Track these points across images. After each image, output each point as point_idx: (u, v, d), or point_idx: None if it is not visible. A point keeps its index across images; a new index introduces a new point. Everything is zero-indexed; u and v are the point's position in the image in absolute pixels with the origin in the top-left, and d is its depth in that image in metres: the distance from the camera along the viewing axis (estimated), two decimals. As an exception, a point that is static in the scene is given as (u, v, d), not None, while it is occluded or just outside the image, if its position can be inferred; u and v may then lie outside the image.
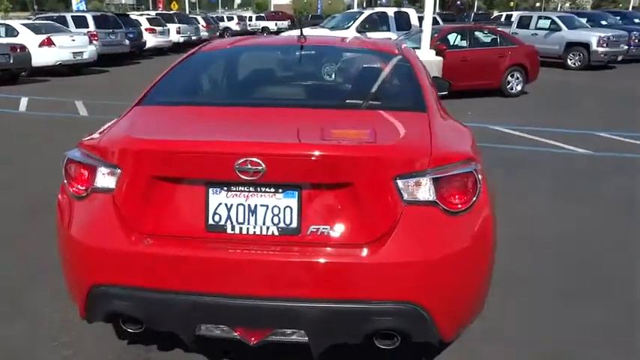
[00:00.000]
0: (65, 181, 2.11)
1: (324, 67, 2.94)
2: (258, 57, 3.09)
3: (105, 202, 1.97)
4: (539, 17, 18.22)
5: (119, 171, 1.94)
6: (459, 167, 1.94)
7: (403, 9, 14.43)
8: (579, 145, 6.68)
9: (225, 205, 1.89)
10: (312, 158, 1.82)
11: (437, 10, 30.88)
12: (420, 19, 14.64)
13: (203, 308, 1.89)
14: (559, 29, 16.97)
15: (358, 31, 13.25)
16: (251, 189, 1.88)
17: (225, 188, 1.89)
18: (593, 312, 2.82)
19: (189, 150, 1.87)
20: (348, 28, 13.42)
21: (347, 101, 2.47)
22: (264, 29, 36.98)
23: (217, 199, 1.89)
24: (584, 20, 18.44)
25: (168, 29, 21.66)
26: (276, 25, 37.46)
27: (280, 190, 1.87)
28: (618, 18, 20.48)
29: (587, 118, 8.62)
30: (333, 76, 2.78)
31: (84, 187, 2.04)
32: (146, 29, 20.06)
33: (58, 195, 2.22)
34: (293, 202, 1.87)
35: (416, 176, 1.86)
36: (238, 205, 1.89)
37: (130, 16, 20.74)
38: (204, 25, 26.94)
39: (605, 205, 4.51)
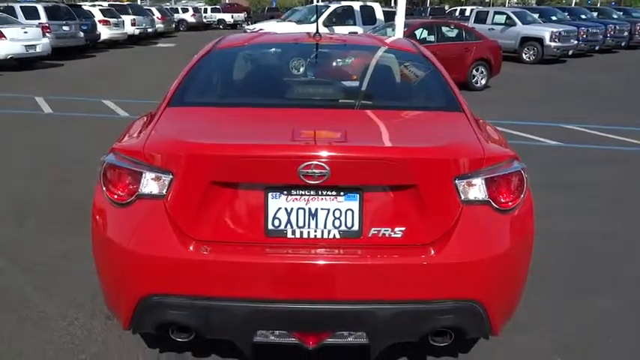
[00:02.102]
0: (104, 187, 2.01)
1: (349, 65, 2.94)
2: (280, 55, 3.04)
3: (155, 208, 1.90)
4: (495, 12, 18.83)
5: (171, 177, 1.87)
6: (506, 166, 2.00)
7: (368, 3, 14.50)
8: (550, 137, 6.98)
9: (285, 209, 1.87)
10: (378, 161, 1.83)
11: (392, 4, 31.32)
12: (385, 13, 14.82)
13: (263, 314, 1.86)
14: (514, 24, 17.61)
15: (325, 24, 13.22)
16: (312, 193, 1.86)
17: (285, 192, 1.86)
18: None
19: (252, 154, 1.82)
20: (315, 21, 13.36)
21: (386, 102, 2.47)
22: (220, 21, 36.24)
23: (277, 203, 1.87)
24: (536, 16, 19.21)
25: (123, 21, 20.87)
26: (232, 17, 36.79)
27: (342, 193, 1.86)
28: (566, 14, 21.44)
29: (551, 110, 9.02)
30: (361, 75, 2.78)
31: (127, 194, 1.96)
32: (99, 21, 19.24)
33: (93, 201, 2.12)
34: (354, 205, 1.87)
35: (472, 176, 1.91)
36: (299, 209, 1.87)
37: (82, 6, 19.82)
38: (159, 16, 26.12)
39: (589, 192, 4.76)
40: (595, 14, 23.35)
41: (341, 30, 13.30)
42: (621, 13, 24.77)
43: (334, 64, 2.96)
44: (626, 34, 21.38)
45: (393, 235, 1.88)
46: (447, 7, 37.91)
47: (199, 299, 1.86)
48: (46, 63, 14.08)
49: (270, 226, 1.87)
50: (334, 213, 1.87)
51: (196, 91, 2.48)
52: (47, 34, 14.26)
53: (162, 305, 1.88)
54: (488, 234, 1.94)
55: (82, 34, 16.68)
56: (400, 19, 9.02)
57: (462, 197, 1.90)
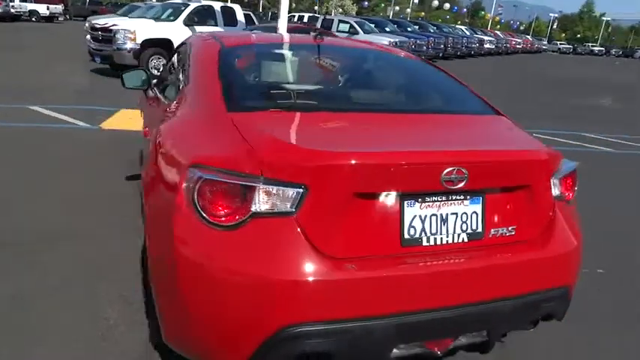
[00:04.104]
0: (201, 210, 1.71)
1: (386, 70, 2.91)
2: (307, 58, 2.84)
3: (283, 227, 1.68)
4: (340, 21, 20.16)
5: (301, 190, 1.68)
6: (565, 164, 2.25)
7: (229, 4, 14.17)
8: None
9: (419, 217, 1.82)
10: (508, 164, 1.90)
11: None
12: (245, 16, 14.68)
13: (406, 328, 1.79)
14: (357, 32, 19.07)
15: (186, 24, 12.57)
16: (443, 198, 1.85)
17: (420, 199, 1.81)
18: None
19: (399, 162, 1.73)
20: (175, 20, 12.61)
21: (446, 106, 2.54)
22: (33, 13, 31.64)
23: (412, 211, 1.81)
24: (372, 25, 21.12)
25: None
26: (47, 8, 32.40)
27: (467, 197, 1.89)
28: (395, 26, 23.96)
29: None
30: (403, 79, 2.79)
31: (237, 214, 1.69)
32: None
33: (173, 229, 1.77)
34: (478, 208, 1.91)
35: (558, 175, 2.10)
36: (432, 215, 1.84)
37: None
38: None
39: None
40: (416, 27, 26.49)
41: (202, 30, 12.78)
42: (435, 27, 28.55)
43: (369, 68, 2.92)
44: (442, 46, 24.77)
45: (507, 234, 1.97)
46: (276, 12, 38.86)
47: (340, 322, 1.70)
48: None
49: (406, 236, 1.81)
50: (462, 217, 1.89)
51: (250, 95, 2.25)
52: None
53: (300, 336, 1.67)
54: (569, 225, 2.15)
55: None
56: (283, 22, 9.08)
57: (553, 194, 2.08)
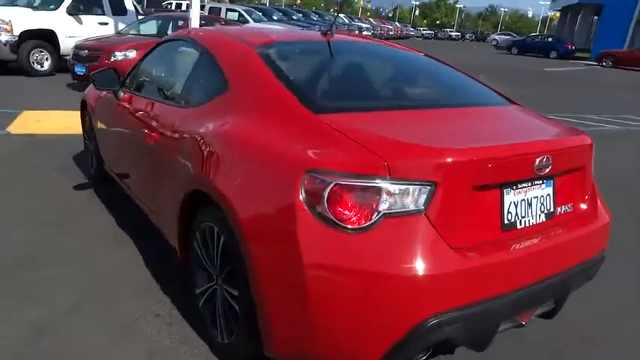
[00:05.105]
0: (331, 215, 1.69)
1: (416, 66, 2.97)
2: (350, 55, 2.78)
3: (413, 224, 1.72)
4: (228, 9, 19.72)
5: (429, 187, 1.73)
6: None
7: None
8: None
9: (513, 202, 1.97)
10: (577, 149, 2.14)
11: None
12: (134, 4, 13.67)
13: (512, 305, 1.94)
14: (247, 21, 18.83)
15: (69, 12, 11.35)
16: (529, 184, 2.02)
17: (514, 187, 1.97)
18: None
19: (510, 154, 1.88)
20: (56, 8, 11.30)
21: (482, 99, 2.67)
22: None
23: (509, 198, 1.96)
24: (260, 14, 21.01)
25: None
26: None
27: (543, 181, 2.08)
28: (282, 14, 24.07)
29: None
30: (434, 75, 2.88)
31: (365, 216, 1.71)
32: None
33: (297, 240, 1.72)
34: (550, 190, 2.11)
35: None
36: (521, 200, 2.00)
37: None
38: None
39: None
40: (300, 15, 26.88)
41: (88, 19, 11.76)
42: (317, 15, 29.20)
43: (408, 65, 3.00)
44: (324, 33, 25.44)
45: (568, 211, 2.21)
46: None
47: (469, 307, 1.80)
48: None
49: (505, 221, 1.95)
50: (540, 199, 2.08)
51: (327, 96, 2.26)
52: None
53: (437, 326, 1.73)
54: (599, 198, 2.47)
55: None
56: (195, 13, 8.68)
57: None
